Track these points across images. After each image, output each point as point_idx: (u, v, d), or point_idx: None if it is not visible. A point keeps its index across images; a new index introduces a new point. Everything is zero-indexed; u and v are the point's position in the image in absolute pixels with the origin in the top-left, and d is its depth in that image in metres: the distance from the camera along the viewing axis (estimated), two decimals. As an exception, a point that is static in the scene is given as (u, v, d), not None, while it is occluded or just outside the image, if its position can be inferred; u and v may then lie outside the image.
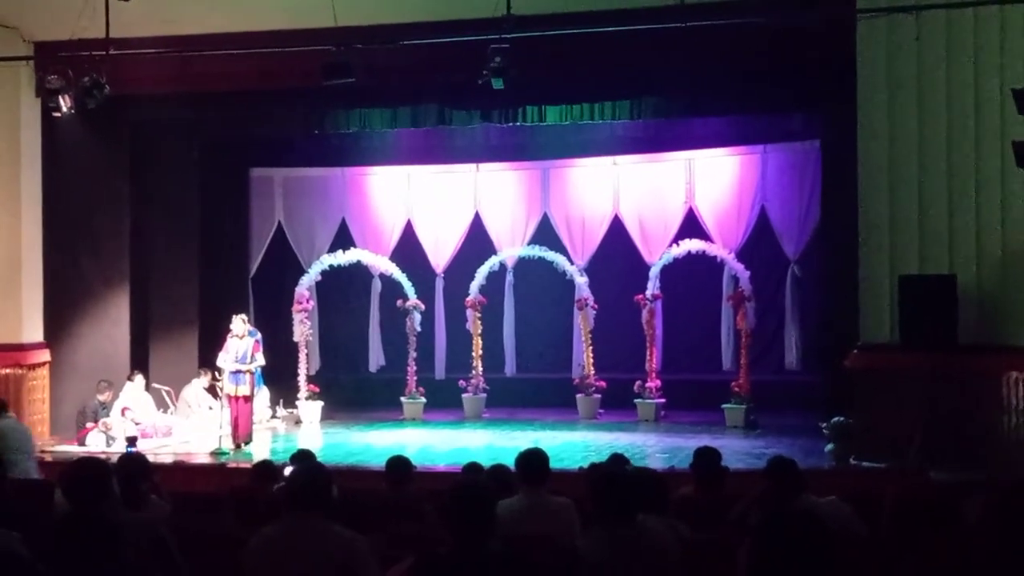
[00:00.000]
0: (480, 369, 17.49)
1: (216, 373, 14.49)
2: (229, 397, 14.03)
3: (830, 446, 12.27)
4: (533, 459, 6.47)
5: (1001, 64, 11.30)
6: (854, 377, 12.38)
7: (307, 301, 17.46)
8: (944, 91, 11.84)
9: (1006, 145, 10.34)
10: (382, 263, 17.90)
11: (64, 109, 12.65)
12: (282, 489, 5.41)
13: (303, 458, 8.17)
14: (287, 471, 7.37)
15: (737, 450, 13.02)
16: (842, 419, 12.26)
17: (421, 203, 18.77)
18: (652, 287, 16.67)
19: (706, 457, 7.57)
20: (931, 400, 11.38)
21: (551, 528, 6.03)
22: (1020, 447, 10.94)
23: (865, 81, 12.24)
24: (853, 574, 5.29)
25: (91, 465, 5.60)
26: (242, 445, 13.90)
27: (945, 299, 11.38)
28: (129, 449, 11.99)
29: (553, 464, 6.63)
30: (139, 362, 15.66)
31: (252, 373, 14.19)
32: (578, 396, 16.93)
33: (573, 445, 14.04)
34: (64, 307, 15.42)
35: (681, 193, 17.62)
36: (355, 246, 18.11)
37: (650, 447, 13.97)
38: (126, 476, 6.28)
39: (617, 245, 18.07)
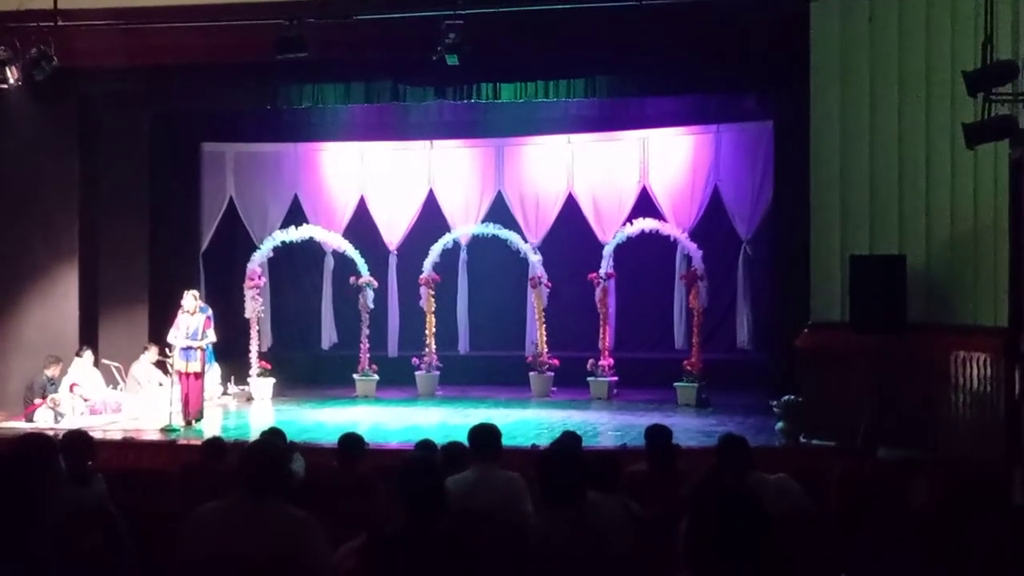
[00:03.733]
0: (433, 347, 17.45)
1: (167, 349, 14.36)
2: (180, 373, 13.90)
3: (780, 424, 12.37)
4: (485, 433, 6.54)
5: (952, 47, 11.38)
6: (804, 356, 12.48)
7: (259, 277, 17.34)
8: (896, 73, 11.93)
9: (956, 127, 10.42)
10: (335, 240, 17.79)
11: (11, 81, 12.47)
12: (235, 465, 5.35)
13: (273, 436, 8.13)
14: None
15: (689, 428, 13.11)
16: (792, 398, 12.35)
17: (374, 180, 18.67)
18: (605, 266, 16.70)
19: (657, 435, 7.61)
20: (880, 379, 11.51)
21: (501, 500, 6.06)
22: (966, 426, 11.08)
23: (818, 63, 12.31)
24: (800, 551, 5.34)
25: (36, 441, 5.51)
26: (192, 422, 13.79)
27: (894, 279, 11.49)
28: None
29: (506, 442, 6.66)
30: (88, 337, 15.47)
31: (203, 350, 14.08)
32: (531, 374, 16.96)
33: (526, 423, 14.06)
34: (11, 281, 15.22)
35: (635, 172, 17.66)
36: (307, 222, 17.97)
37: (602, 425, 14.03)
38: (72, 452, 6.22)
39: (571, 224, 18.08)
